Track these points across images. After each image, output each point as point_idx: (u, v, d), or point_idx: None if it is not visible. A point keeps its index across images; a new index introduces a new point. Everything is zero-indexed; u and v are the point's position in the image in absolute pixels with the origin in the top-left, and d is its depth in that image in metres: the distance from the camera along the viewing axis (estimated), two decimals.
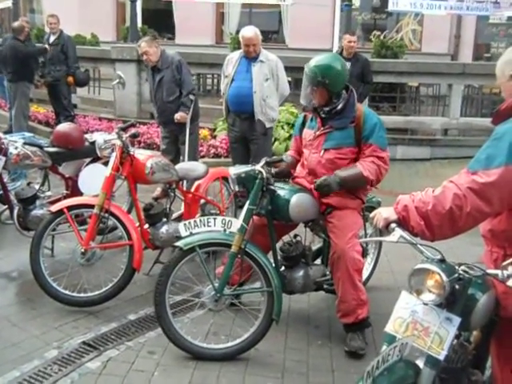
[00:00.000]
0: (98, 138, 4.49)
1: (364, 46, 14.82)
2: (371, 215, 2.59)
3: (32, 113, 11.05)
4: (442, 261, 2.31)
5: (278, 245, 4.06)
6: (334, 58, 3.95)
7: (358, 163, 3.83)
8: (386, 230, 2.50)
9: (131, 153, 4.37)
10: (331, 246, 3.94)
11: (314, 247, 4.27)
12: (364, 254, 4.55)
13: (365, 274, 4.46)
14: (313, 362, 3.70)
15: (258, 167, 3.76)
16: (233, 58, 6.35)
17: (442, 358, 2.23)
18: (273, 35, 18.16)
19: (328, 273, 4.13)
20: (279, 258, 4.02)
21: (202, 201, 5.11)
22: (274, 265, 3.85)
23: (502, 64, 2.52)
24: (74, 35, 13.85)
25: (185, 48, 12.27)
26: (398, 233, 2.41)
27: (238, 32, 15.11)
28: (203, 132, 9.19)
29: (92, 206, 4.23)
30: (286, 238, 4.13)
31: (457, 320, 2.26)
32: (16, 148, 4.74)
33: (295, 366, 3.63)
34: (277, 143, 8.65)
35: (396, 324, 2.36)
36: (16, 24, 9.77)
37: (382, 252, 4.95)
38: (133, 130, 4.48)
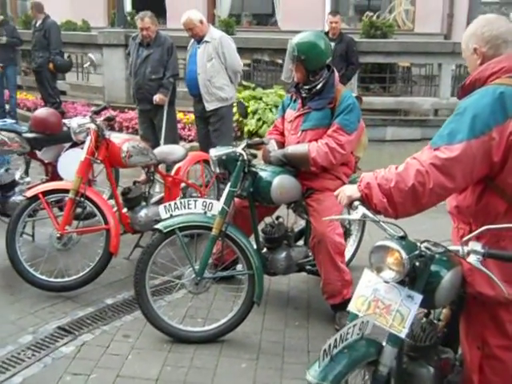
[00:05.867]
0: (72, 122, 4.45)
1: (356, 27, 14.65)
2: (335, 193, 2.56)
3: (21, 100, 11.07)
4: (403, 238, 2.28)
5: (260, 227, 4.03)
6: (316, 36, 3.83)
7: (310, 143, 3.79)
8: (349, 207, 2.47)
9: (107, 136, 4.32)
10: (311, 229, 3.91)
11: (297, 228, 4.24)
12: (347, 234, 4.54)
13: (347, 254, 4.43)
14: (289, 343, 3.69)
15: (239, 149, 3.73)
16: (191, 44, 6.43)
17: (403, 335, 2.21)
18: (267, 18, 17.91)
19: (310, 254, 4.11)
20: (261, 239, 4.00)
21: (183, 184, 5.07)
22: (255, 247, 3.82)
23: (467, 37, 2.48)
24: (64, 21, 13.75)
25: (176, 32, 12.12)
26: (361, 210, 2.38)
27: (230, 16, 15.01)
28: (191, 117, 9.11)
29: (67, 191, 4.19)
30: (268, 220, 4.10)
31: (418, 297, 2.23)
32: None
33: (271, 347, 3.62)
34: (265, 126, 8.58)
35: (358, 302, 2.33)
36: None
37: (366, 232, 4.92)
38: (107, 114, 4.42)
